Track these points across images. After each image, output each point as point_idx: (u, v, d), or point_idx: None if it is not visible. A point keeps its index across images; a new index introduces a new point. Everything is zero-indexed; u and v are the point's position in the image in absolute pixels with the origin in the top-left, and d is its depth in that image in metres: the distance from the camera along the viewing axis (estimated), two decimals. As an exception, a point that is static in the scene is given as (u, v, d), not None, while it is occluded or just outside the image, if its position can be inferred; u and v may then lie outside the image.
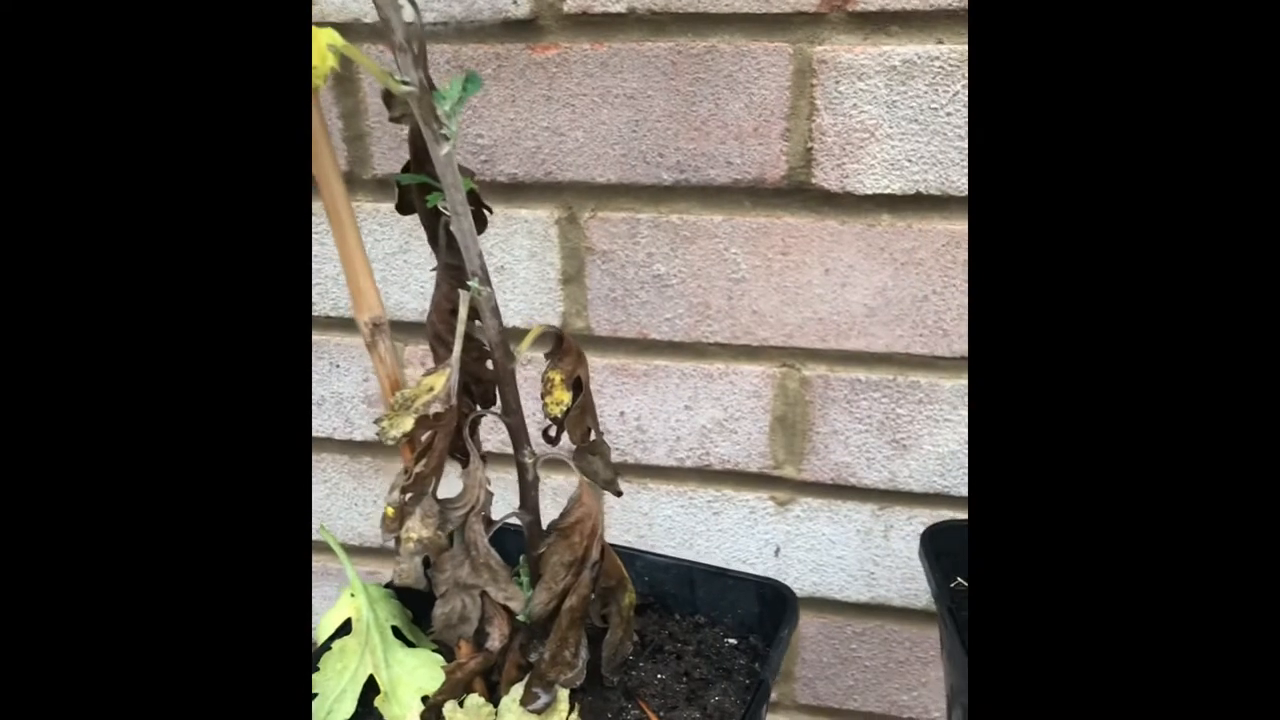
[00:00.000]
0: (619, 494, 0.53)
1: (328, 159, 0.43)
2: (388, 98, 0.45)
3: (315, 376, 0.82)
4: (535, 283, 0.75)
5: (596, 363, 0.76)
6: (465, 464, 0.48)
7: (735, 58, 0.65)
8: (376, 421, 0.46)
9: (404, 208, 0.48)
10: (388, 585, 0.59)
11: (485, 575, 0.48)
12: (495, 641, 0.49)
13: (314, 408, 0.83)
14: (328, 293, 0.79)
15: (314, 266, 0.78)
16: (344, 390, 0.82)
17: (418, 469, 0.45)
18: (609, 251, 0.72)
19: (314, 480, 0.87)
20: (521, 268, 0.75)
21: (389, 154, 0.74)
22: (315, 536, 0.88)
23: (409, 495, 0.45)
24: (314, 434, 0.85)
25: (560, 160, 0.71)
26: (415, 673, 0.54)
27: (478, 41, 0.69)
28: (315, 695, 0.53)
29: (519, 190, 0.72)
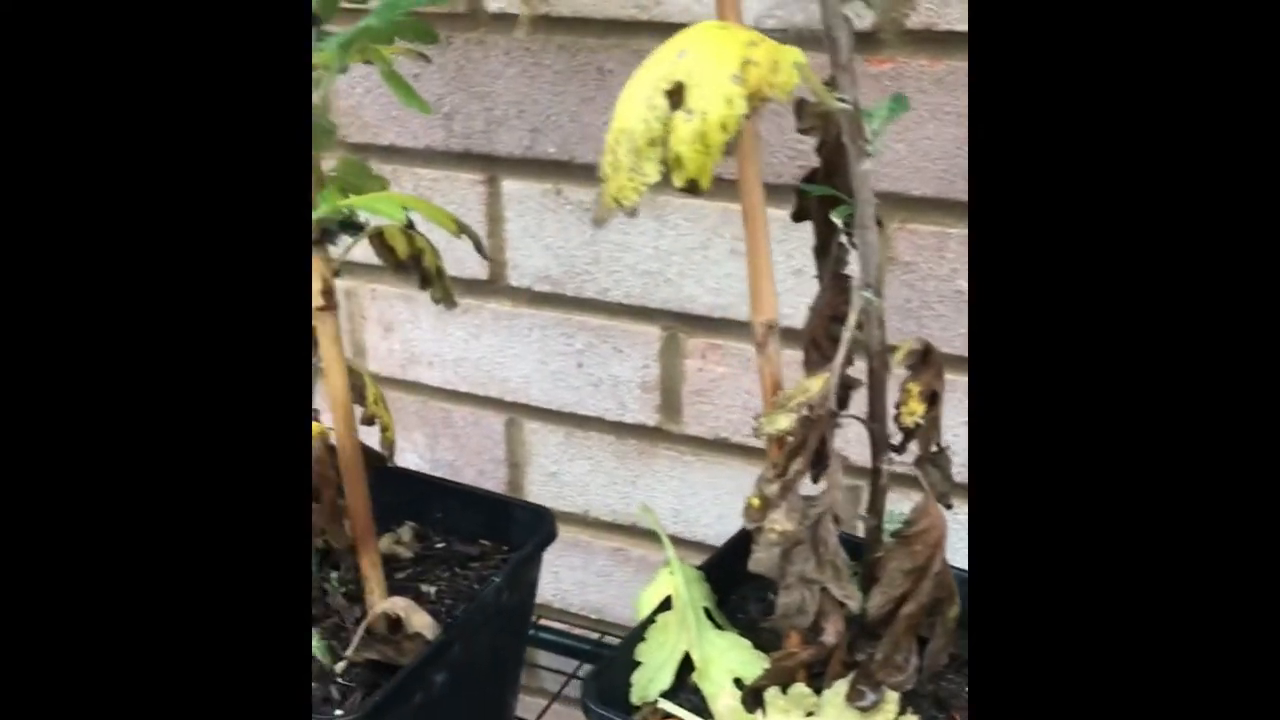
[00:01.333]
0: (950, 507, 0.54)
1: (753, 168, 0.46)
2: (800, 108, 0.47)
3: (597, 359, 0.86)
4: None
5: (881, 372, 0.77)
6: (823, 466, 0.49)
7: (1078, 85, 0.65)
8: (756, 418, 0.48)
9: (801, 215, 0.50)
10: (699, 567, 0.61)
11: (829, 572, 0.49)
12: (830, 636, 0.50)
13: (593, 388, 0.87)
14: (623, 280, 0.82)
15: (625, 260, 0.82)
16: (622, 374, 0.86)
17: (795, 466, 0.47)
18: (911, 263, 0.73)
19: (576, 456, 0.91)
20: (819, 272, 0.76)
21: (704, 152, 0.76)
22: (572, 511, 0.92)
23: (778, 489, 0.47)
24: (586, 413, 0.88)
25: (878, 171, 0.72)
26: (726, 654, 0.57)
27: (815, 50, 0.70)
28: (639, 664, 0.55)
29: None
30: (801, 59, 0.40)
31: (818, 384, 0.47)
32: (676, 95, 0.38)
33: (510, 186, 0.84)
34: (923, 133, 0.70)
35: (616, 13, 0.75)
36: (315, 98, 0.52)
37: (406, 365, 0.94)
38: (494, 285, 0.87)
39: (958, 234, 0.71)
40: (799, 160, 0.74)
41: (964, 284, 0.72)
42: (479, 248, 0.60)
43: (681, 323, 0.82)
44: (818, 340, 0.51)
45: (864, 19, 0.68)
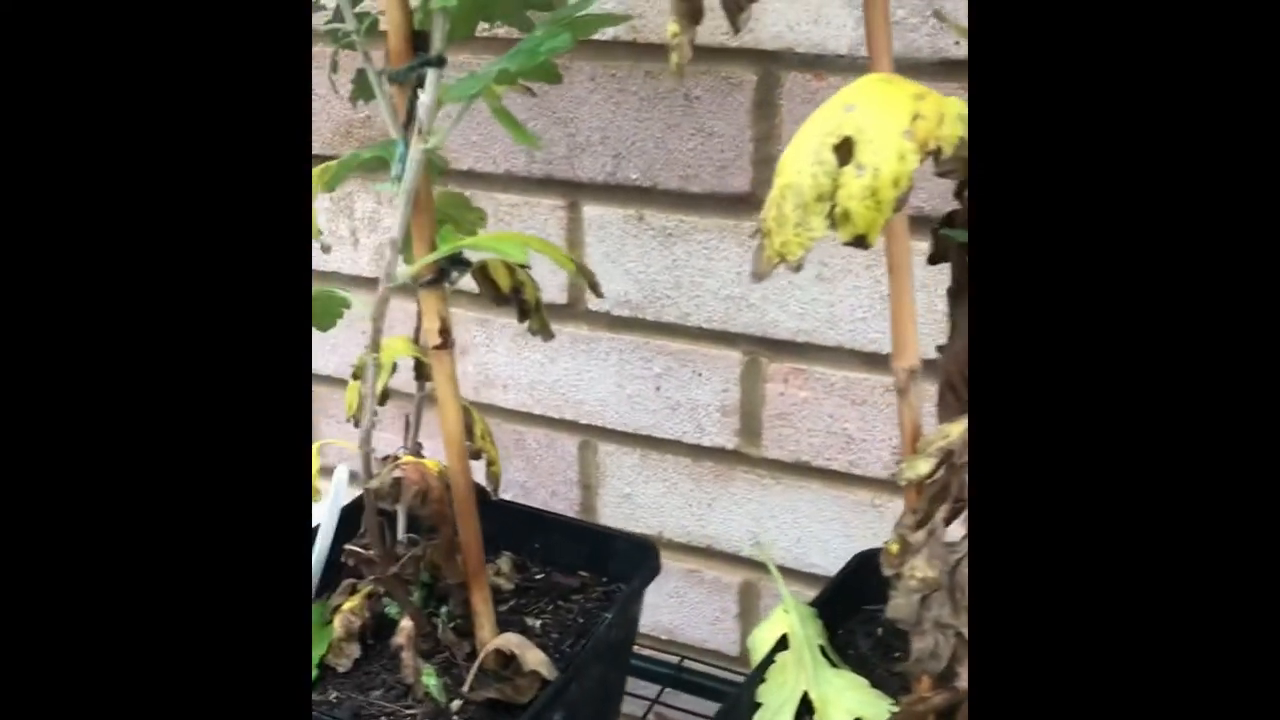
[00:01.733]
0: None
1: (901, 218, 0.46)
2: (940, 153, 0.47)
3: (675, 383, 0.86)
4: (920, 313, 0.76)
5: (969, 399, 0.77)
6: (960, 510, 0.49)
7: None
8: (898, 463, 0.48)
9: (938, 258, 0.50)
10: (811, 604, 0.61)
11: (965, 617, 0.49)
12: (963, 681, 0.50)
13: (670, 411, 0.87)
14: (704, 305, 0.82)
15: (707, 285, 0.81)
16: (701, 398, 0.86)
17: (939, 513, 0.46)
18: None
19: (651, 478, 0.90)
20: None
21: (793, 179, 0.76)
22: (660, 537, 0.92)
23: (922, 536, 0.47)
24: (663, 435, 0.88)
25: (971, 200, 0.71)
26: (844, 694, 0.56)
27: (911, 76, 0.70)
28: (760, 705, 0.55)
29: (920, 223, 0.74)
30: (964, 110, 0.39)
31: (958, 429, 0.47)
32: (845, 150, 0.38)
33: (591, 212, 0.84)
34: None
35: (705, 39, 0.75)
36: (436, 138, 0.52)
37: (480, 388, 0.94)
38: (573, 309, 0.87)
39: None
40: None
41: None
42: (594, 287, 0.60)
43: (763, 347, 0.82)
44: (953, 383, 0.51)
45: (963, 45, 0.68)
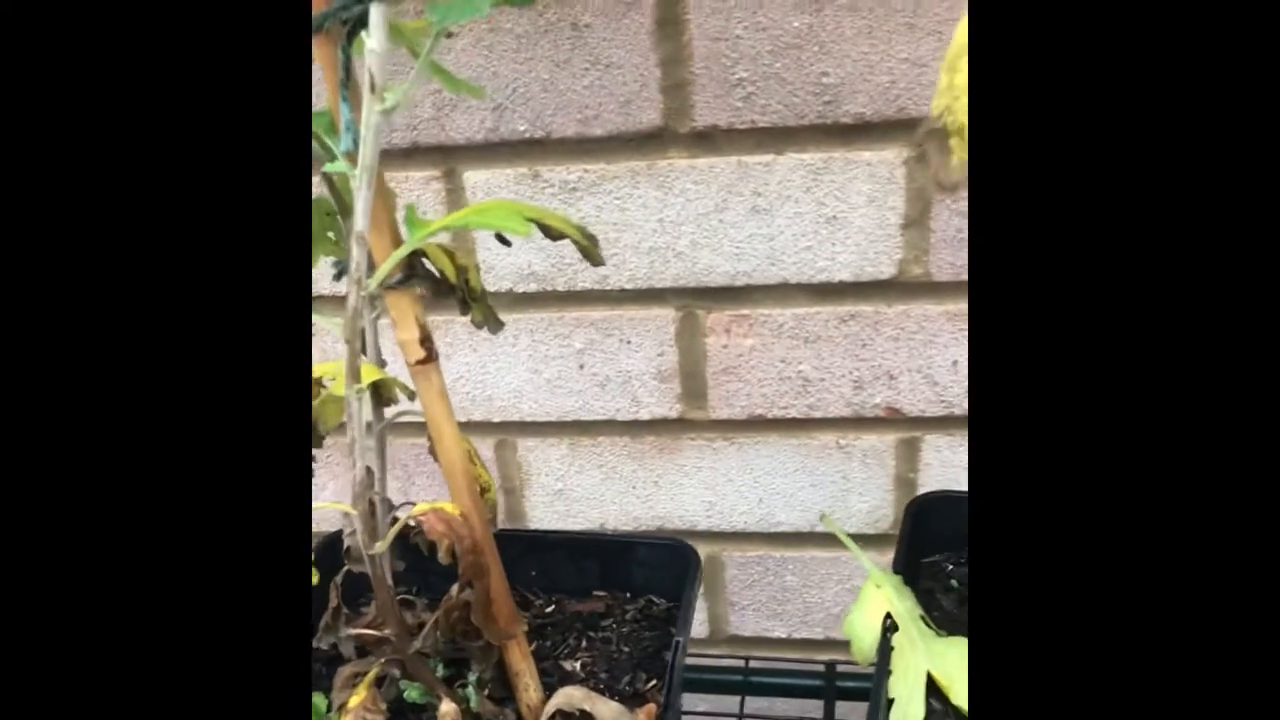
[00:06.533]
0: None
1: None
2: None
3: (601, 356, 0.76)
4: (871, 230, 0.70)
5: (932, 310, 0.72)
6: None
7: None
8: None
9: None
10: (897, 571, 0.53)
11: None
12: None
13: (599, 389, 0.77)
14: (625, 263, 0.72)
15: (624, 240, 0.71)
16: (633, 368, 0.76)
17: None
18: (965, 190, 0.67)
19: (585, 466, 0.80)
20: (857, 215, 0.69)
21: (712, 104, 0.67)
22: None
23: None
24: (593, 417, 0.78)
25: (918, 94, 0.65)
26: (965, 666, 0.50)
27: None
28: (892, 700, 0.47)
29: (863, 131, 0.67)
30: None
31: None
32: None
33: (474, 177, 0.72)
34: None
35: (591, -46, 0.64)
36: (395, 95, 0.40)
37: (365, 407, 0.80)
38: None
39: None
40: (824, 97, 0.66)
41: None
42: (589, 254, 0.49)
43: (698, 298, 0.73)
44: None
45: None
